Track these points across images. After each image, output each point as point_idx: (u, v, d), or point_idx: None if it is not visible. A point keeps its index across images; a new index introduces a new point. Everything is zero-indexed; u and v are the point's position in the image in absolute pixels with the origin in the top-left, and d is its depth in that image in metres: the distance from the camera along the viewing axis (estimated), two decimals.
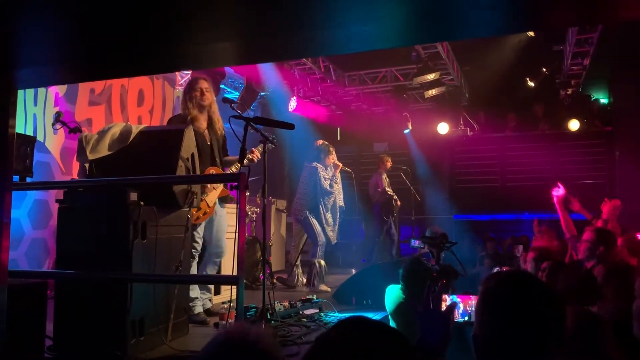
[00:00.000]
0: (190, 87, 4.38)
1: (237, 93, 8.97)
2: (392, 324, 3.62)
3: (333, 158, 6.74)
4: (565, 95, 9.92)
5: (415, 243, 5.14)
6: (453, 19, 1.30)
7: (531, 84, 9.77)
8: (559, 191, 4.45)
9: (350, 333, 1.10)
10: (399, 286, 3.76)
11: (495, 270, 5.05)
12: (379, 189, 8.23)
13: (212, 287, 4.73)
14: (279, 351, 1.19)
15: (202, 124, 4.35)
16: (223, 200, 4.43)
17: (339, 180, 6.72)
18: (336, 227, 6.77)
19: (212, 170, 4.30)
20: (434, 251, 4.56)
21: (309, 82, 9.80)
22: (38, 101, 5.80)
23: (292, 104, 9.54)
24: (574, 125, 9.65)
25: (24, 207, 5.59)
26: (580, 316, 1.87)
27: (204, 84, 4.38)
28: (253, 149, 4.42)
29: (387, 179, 8.40)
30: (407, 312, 3.53)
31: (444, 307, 1.64)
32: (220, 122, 4.45)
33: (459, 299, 2.61)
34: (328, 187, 6.52)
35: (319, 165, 6.59)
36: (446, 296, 2.55)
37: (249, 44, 1.44)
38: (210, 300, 4.58)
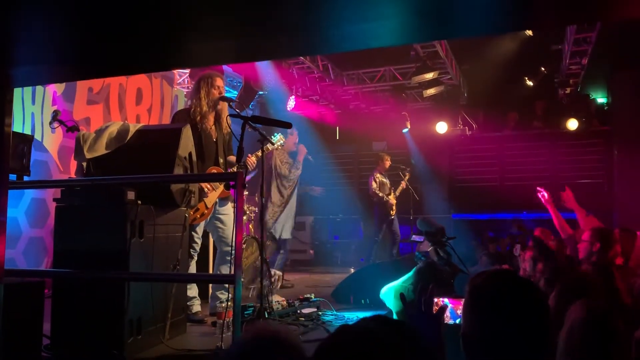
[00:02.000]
0: (207, 83, 4.30)
1: (235, 92, 8.97)
2: None
3: (295, 139, 6.07)
4: (563, 94, 9.92)
5: (416, 238, 5.07)
6: (448, 18, 1.31)
7: (530, 83, 9.76)
8: (544, 195, 4.50)
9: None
10: (399, 284, 3.79)
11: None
12: (370, 191, 8.20)
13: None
14: (304, 349, 1.20)
15: (210, 120, 4.34)
16: (225, 200, 4.40)
17: (300, 167, 6.01)
18: (290, 223, 6.15)
19: (213, 170, 4.30)
20: (440, 250, 4.43)
21: (308, 81, 9.80)
22: (36, 100, 5.79)
23: (291, 103, 9.54)
24: (572, 124, 9.65)
25: (22, 205, 5.58)
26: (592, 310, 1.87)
27: (221, 82, 4.36)
28: (250, 155, 4.34)
29: (384, 179, 8.35)
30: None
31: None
32: (228, 118, 4.37)
33: (450, 303, 2.64)
34: (286, 172, 5.86)
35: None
36: (440, 299, 2.58)
37: (247, 43, 1.44)
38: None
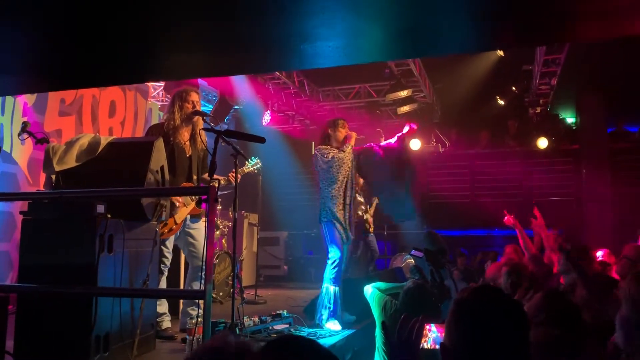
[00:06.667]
0: (182, 97, 4.26)
1: (210, 106, 8.95)
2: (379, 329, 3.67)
3: (346, 132, 4.90)
4: (534, 113, 10.16)
5: (415, 253, 4.83)
6: (419, 37, 1.33)
7: (501, 102, 9.98)
8: (509, 219, 4.69)
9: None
10: (383, 291, 3.81)
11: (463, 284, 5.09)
12: None
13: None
14: None
15: (185, 135, 4.29)
16: (197, 216, 4.35)
17: (346, 150, 4.79)
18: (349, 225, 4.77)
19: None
20: (435, 272, 4.23)
21: (284, 97, 9.83)
22: (5, 110, 5.68)
23: (266, 117, 9.55)
24: (542, 143, 9.87)
25: None
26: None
27: (196, 97, 4.31)
28: (234, 170, 4.18)
29: (359, 197, 8.35)
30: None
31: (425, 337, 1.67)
32: (204, 135, 4.31)
33: (437, 330, 2.65)
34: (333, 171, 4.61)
35: (321, 147, 4.88)
36: (427, 326, 2.59)
37: (218, 58, 1.45)
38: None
